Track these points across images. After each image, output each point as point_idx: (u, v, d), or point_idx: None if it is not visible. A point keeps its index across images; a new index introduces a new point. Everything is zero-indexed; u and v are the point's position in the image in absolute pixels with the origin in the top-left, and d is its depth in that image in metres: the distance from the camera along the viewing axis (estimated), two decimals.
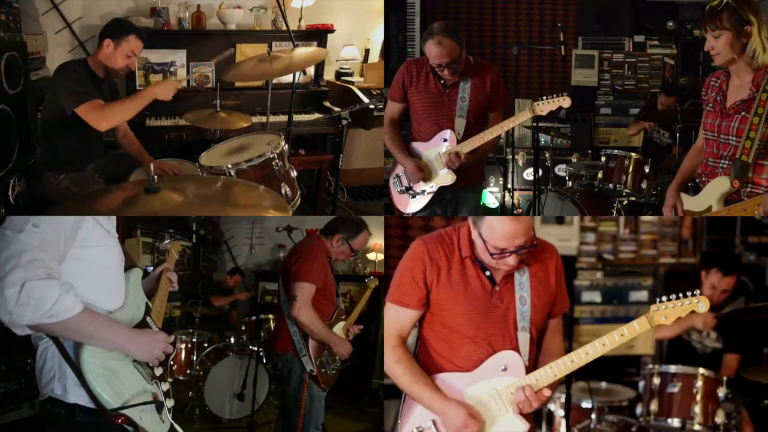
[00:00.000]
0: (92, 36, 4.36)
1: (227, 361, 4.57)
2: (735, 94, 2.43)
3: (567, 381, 3.11)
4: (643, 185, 4.12)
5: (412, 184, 3.16)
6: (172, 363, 1.89)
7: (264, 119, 4.28)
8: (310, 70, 4.99)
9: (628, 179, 4.13)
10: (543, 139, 5.28)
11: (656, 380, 3.10)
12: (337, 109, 4.53)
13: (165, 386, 1.85)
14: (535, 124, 3.97)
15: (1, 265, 1.49)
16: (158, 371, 1.82)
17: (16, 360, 3.51)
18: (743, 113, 2.37)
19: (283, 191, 3.07)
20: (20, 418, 3.48)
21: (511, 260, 1.83)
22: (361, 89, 4.89)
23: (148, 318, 1.84)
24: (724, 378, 3.05)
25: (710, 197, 2.47)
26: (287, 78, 4.37)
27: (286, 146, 3.21)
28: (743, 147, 2.35)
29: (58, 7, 4.32)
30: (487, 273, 1.93)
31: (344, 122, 3.64)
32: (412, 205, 3.20)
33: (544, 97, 2.95)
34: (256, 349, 4.47)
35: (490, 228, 1.82)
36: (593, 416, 3.33)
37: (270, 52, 3.66)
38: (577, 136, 5.64)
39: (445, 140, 3.09)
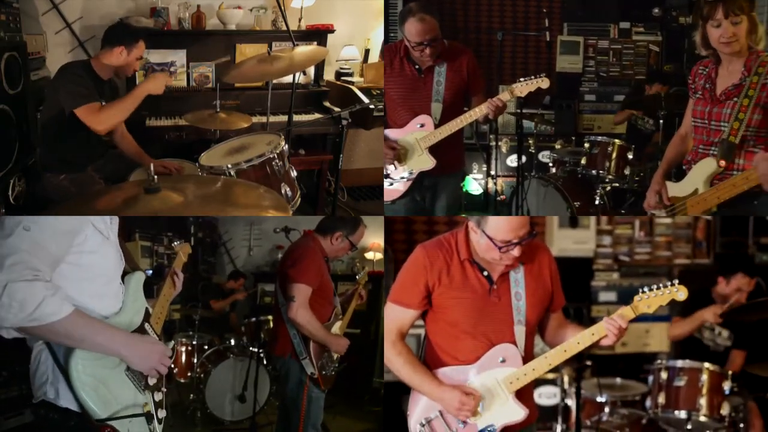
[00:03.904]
0: (92, 36, 4.36)
1: (228, 363, 4.57)
2: (725, 81, 2.44)
3: (577, 377, 3.25)
4: (627, 171, 4.12)
5: (391, 172, 3.05)
6: (172, 366, 1.87)
7: (264, 119, 4.28)
8: (310, 71, 4.99)
9: (611, 165, 4.12)
10: (527, 125, 5.27)
11: (664, 374, 3.21)
12: (337, 109, 4.53)
13: (158, 396, 1.81)
14: (519, 111, 3.95)
15: None
16: (152, 381, 1.78)
17: (17, 366, 3.50)
18: (735, 99, 2.38)
19: (283, 191, 3.06)
20: (22, 423, 3.47)
21: (516, 251, 1.94)
22: (361, 89, 4.88)
23: (146, 324, 1.81)
24: (730, 372, 3.12)
25: (696, 180, 2.49)
26: (287, 78, 4.36)
27: (286, 146, 3.21)
28: (731, 128, 2.37)
29: (58, 7, 4.32)
30: (485, 273, 2.04)
31: (344, 122, 3.63)
32: (391, 192, 3.16)
33: (522, 79, 2.94)
34: (256, 350, 4.46)
35: (496, 225, 1.94)
36: (606, 409, 3.48)
37: (270, 52, 3.66)
38: (562, 123, 5.61)
39: (422, 125, 3.05)
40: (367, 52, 5.46)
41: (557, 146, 5.29)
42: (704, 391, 3.09)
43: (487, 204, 5.52)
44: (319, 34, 4.90)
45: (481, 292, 2.03)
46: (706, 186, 2.46)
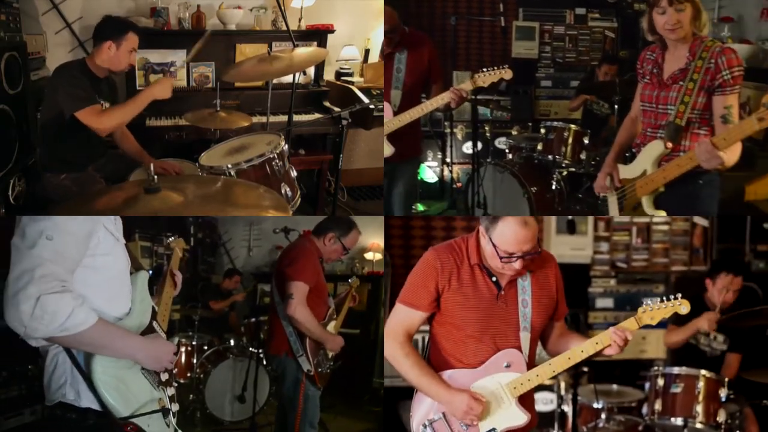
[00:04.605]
0: (92, 36, 4.35)
1: (227, 363, 4.56)
2: (672, 65, 2.51)
3: (574, 383, 3.27)
4: (583, 156, 4.13)
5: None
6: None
7: (264, 119, 4.27)
8: (310, 70, 4.99)
9: (567, 150, 4.13)
10: (482, 111, 5.21)
11: (660, 381, 3.21)
12: (337, 109, 4.52)
13: (170, 391, 1.87)
14: (473, 97, 3.91)
15: (16, 280, 1.51)
16: (164, 376, 1.84)
17: (16, 366, 3.50)
18: (681, 83, 2.45)
19: (283, 191, 3.06)
20: (21, 423, 3.47)
21: (517, 264, 1.97)
22: (361, 89, 4.88)
23: (154, 322, 1.85)
24: (726, 379, 3.13)
25: (645, 162, 2.56)
26: (287, 78, 4.36)
27: (286, 146, 3.21)
28: (677, 111, 2.44)
29: (58, 7, 4.32)
30: (494, 279, 2.06)
31: (344, 122, 3.64)
32: None
33: (485, 69, 2.93)
34: (256, 350, 4.45)
35: (501, 234, 1.96)
36: (603, 416, 3.49)
37: (270, 52, 3.65)
38: (518, 109, 5.58)
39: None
40: (367, 52, 5.46)
41: (514, 132, 5.24)
42: (701, 398, 3.10)
43: (442, 192, 5.48)
44: (319, 34, 4.90)
45: (489, 297, 2.05)
46: (654, 167, 2.53)
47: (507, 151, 4.68)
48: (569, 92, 5.59)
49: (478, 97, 3.96)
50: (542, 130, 4.26)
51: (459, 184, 5.34)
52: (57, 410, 1.67)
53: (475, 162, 4.10)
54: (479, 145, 4.18)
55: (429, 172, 5.48)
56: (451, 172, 5.14)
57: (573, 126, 4.18)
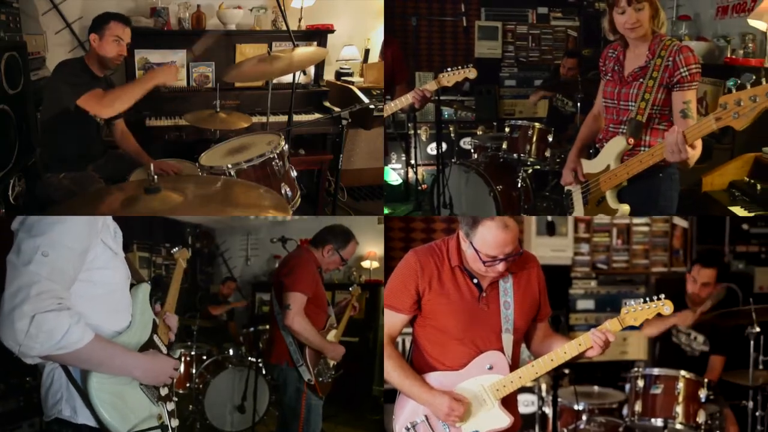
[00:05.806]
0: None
1: (227, 373, 4.52)
2: (632, 63, 2.59)
3: (554, 384, 3.25)
4: (547, 154, 4.11)
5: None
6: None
7: (264, 119, 4.25)
8: (310, 70, 4.98)
9: (532, 149, 4.10)
10: (446, 112, 5.17)
11: (640, 382, 3.23)
12: (337, 109, 4.51)
13: (170, 406, 1.83)
14: (437, 98, 3.90)
15: (11, 297, 1.47)
16: (163, 391, 1.80)
17: (14, 379, 3.47)
18: (641, 80, 2.53)
19: (283, 191, 3.04)
20: None
21: (500, 267, 1.98)
22: (361, 89, 4.87)
23: (155, 336, 1.82)
24: (705, 380, 3.14)
25: (608, 157, 2.63)
26: (287, 78, 4.35)
27: (286, 146, 3.19)
28: (638, 107, 2.53)
29: (58, 7, 4.31)
30: (475, 281, 2.07)
31: (344, 122, 3.63)
32: None
33: (449, 69, 2.92)
34: (255, 360, 4.41)
35: (482, 239, 1.96)
36: (584, 417, 3.50)
37: (270, 52, 3.64)
38: (482, 109, 5.58)
39: None
40: (367, 52, 5.45)
41: (479, 132, 5.24)
42: (680, 398, 3.11)
43: (407, 194, 5.44)
44: (319, 34, 4.89)
45: (470, 299, 2.05)
46: (617, 162, 2.61)
47: (472, 151, 4.65)
48: (533, 91, 5.60)
49: (442, 97, 3.95)
50: (507, 129, 4.23)
51: (424, 186, 5.32)
52: (54, 426, 1.65)
53: (439, 163, 4.09)
54: (444, 146, 4.15)
55: (393, 174, 5.45)
56: (416, 173, 5.11)
57: (537, 124, 4.17)
